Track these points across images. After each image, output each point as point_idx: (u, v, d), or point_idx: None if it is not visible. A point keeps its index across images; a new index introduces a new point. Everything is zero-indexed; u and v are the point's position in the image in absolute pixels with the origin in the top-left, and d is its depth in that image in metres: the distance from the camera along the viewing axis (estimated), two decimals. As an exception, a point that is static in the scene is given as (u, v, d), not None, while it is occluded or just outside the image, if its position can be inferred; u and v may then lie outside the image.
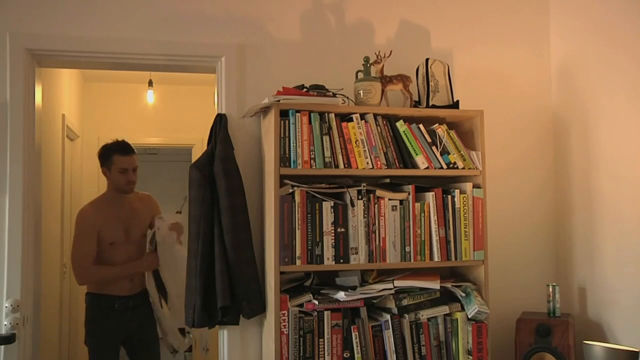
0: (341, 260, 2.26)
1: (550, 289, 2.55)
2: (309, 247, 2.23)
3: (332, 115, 2.31)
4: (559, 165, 2.87)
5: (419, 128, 2.40)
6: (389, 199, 2.33)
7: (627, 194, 2.40)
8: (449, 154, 2.40)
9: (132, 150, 3.02)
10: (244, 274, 2.34)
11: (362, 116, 2.36)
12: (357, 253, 2.27)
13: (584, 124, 2.68)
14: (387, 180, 2.41)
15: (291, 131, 2.25)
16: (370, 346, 2.25)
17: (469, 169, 2.42)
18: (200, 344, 3.91)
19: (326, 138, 2.29)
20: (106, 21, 2.51)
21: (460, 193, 2.39)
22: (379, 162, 2.31)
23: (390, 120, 2.40)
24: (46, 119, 3.15)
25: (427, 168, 2.36)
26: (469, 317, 2.32)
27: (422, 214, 2.36)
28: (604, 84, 2.55)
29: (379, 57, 2.50)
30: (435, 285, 2.33)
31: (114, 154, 2.97)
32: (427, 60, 2.53)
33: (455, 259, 2.37)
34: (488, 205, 2.43)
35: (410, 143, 2.37)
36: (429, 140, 2.40)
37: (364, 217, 2.29)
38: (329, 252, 2.24)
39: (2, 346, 2.29)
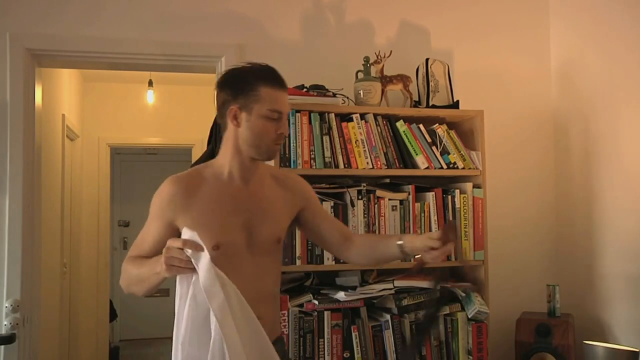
0: (341, 260, 2.25)
1: (550, 289, 2.55)
2: (309, 247, 2.23)
3: (332, 115, 2.31)
4: (559, 164, 2.87)
5: (419, 128, 2.40)
6: (389, 199, 2.33)
7: (628, 194, 2.40)
8: (449, 154, 2.40)
9: (286, 85, 1.63)
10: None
11: (362, 116, 2.36)
12: (357, 253, 2.27)
13: (584, 124, 2.68)
14: (387, 180, 2.41)
15: (291, 131, 2.24)
16: (370, 346, 2.25)
17: (469, 169, 2.42)
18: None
19: (326, 138, 2.29)
20: (106, 21, 2.51)
21: (460, 193, 2.39)
22: (379, 162, 2.31)
23: (390, 120, 2.40)
24: (46, 119, 3.15)
25: (427, 168, 2.36)
26: (469, 317, 2.32)
27: (422, 214, 2.36)
28: (604, 84, 2.55)
29: (379, 57, 2.50)
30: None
31: (261, 83, 1.57)
32: (427, 60, 2.53)
33: (455, 259, 2.37)
34: (488, 205, 2.43)
35: (410, 143, 2.37)
36: (429, 140, 2.40)
37: (364, 217, 2.29)
38: (329, 252, 2.24)
39: (2, 346, 2.29)
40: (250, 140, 1.57)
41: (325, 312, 2.22)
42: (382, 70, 2.50)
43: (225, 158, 1.62)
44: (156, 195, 1.62)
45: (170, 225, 1.57)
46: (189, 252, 1.33)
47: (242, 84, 1.57)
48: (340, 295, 2.22)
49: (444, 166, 2.38)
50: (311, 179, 2.30)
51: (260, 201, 1.64)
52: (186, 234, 1.39)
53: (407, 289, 2.32)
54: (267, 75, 1.58)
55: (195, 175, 1.62)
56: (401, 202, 2.34)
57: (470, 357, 2.32)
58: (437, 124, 2.44)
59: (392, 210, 2.33)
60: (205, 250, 1.33)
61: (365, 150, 2.31)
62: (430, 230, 2.36)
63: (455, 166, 2.40)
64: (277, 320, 1.75)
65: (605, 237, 2.54)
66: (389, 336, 2.26)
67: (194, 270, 1.35)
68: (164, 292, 6.93)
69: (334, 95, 2.36)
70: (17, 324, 2.32)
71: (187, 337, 1.38)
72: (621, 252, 2.44)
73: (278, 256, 1.72)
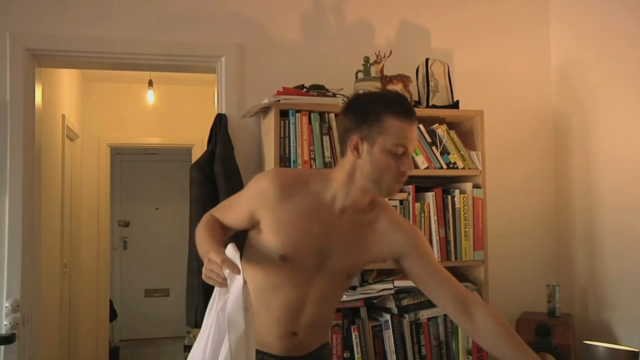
0: (341, 260, 2.25)
1: (550, 289, 2.55)
2: (309, 247, 2.23)
3: (332, 115, 2.31)
4: (559, 165, 2.87)
5: (418, 128, 2.40)
6: (389, 199, 2.33)
7: (628, 194, 2.40)
8: (449, 154, 2.40)
9: (416, 118, 1.51)
10: (244, 274, 2.33)
11: (362, 116, 2.36)
12: (357, 253, 2.27)
13: (584, 124, 2.68)
14: (387, 180, 2.41)
15: (291, 131, 2.25)
16: (370, 346, 2.25)
17: (469, 169, 2.42)
18: None
19: (326, 138, 2.29)
20: (106, 21, 2.51)
21: (460, 193, 2.39)
22: (379, 162, 2.31)
23: (390, 120, 2.39)
24: (46, 119, 3.15)
25: (427, 168, 2.36)
26: (469, 317, 2.32)
27: (422, 214, 2.36)
28: (604, 84, 2.55)
29: (379, 57, 2.50)
30: (435, 285, 2.33)
31: (389, 113, 1.45)
32: (427, 60, 2.53)
33: (455, 259, 2.37)
34: (488, 205, 2.43)
35: (410, 143, 2.37)
36: (429, 140, 2.40)
37: (364, 217, 2.29)
38: (329, 252, 2.24)
39: (2, 346, 2.29)
40: (369, 174, 1.46)
41: (325, 312, 2.21)
42: (382, 70, 2.50)
43: (337, 181, 1.52)
44: (255, 181, 1.57)
45: (252, 214, 1.54)
46: (226, 271, 1.32)
47: (367, 112, 1.46)
48: (340, 295, 2.22)
49: (444, 166, 2.38)
50: (311, 179, 2.31)
51: (346, 235, 1.55)
52: (229, 251, 1.37)
53: (407, 289, 2.32)
54: (396, 105, 1.46)
55: (300, 180, 1.54)
56: (401, 202, 2.34)
57: (470, 357, 2.32)
58: (437, 124, 2.44)
59: (392, 210, 2.32)
60: (241, 275, 1.31)
61: (365, 150, 2.31)
62: (430, 230, 2.36)
63: (455, 166, 2.40)
64: (325, 336, 1.73)
65: (605, 237, 2.54)
66: (389, 336, 2.26)
67: (228, 287, 1.34)
68: (164, 292, 6.95)
69: (334, 95, 2.36)
70: (17, 324, 2.32)
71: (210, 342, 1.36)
72: (621, 252, 2.44)
73: (343, 287, 1.68)
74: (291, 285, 1.55)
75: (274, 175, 1.53)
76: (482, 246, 2.39)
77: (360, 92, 1.53)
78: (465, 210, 2.38)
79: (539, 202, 2.87)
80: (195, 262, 2.34)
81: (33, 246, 2.47)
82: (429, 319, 2.32)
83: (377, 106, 1.46)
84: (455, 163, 2.40)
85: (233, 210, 1.61)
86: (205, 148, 2.54)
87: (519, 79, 2.90)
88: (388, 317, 2.27)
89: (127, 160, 6.97)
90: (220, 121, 2.51)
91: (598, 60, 2.59)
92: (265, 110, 2.39)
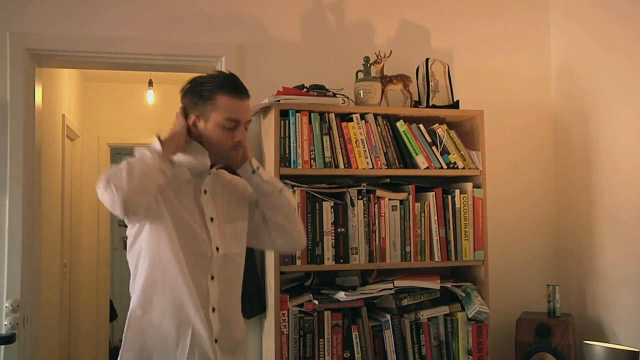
0: (341, 260, 2.26)
1: (550, 289, 2.55)
2: (309, 247, 2.23)
3: (332, 115, 2.31)
4: (559, 165, 2.87)
5: (419, 128, 2.40)
6: (389, 199, 2.33)
7: (628, 193, 2.40)
8: (449, 154, 2.40)
9: (246, 92, 1.70)
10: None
11: (362, 116, 2.36)
12: (357, 253, 2.27)
13: (584, 123, 2.68)
14: (387, 180, 2.41)
15: (291, 131, 2.25)
16: (370, 346, 2.25)
17: (469, 169, 2.42)
18: None
19: (326, 138, 2.29)
20: (106, 21, 2.51)
21: (461, 193, 2.39)
22: (379, 162, 2.31)
23: (390, 120, 2.40)
24: (46, 119, 3.15)
25: (427, 168, 2.36)
26: (469, 317, 2.33)
27: (422, 214, 2.36)
28: (603, 83, 2.55)
29: (379, 57, 2.50)
30: (435, 285, 2.33)
31: (220, 92, 1.63)
32: (427, 60, 2.53)
33: (455, 259, 2.37)
34: (488, 205, 2.43)
35: (410, 143, 2.37)
36: (429, 140, 2.40)
37: (364, 217, 2.29)
38: (329, 252, 2.24)
39: (2, 346, 2.29)
40: (207, 146, 1.65)
41: (326, 312, 2.22)
42: (382, 70, 2.50)
43: None
44: None
45: None
46: None
47: (201, 92, 1.64)
48: (341, 295, 2.23)
49: (444, 166, 2.38)
50: (311, 179, 2.31)
51: None
52: None
53: (407, 289, 2.32)
54: (226, 84, 1.62)
55: None
56: (401, 202, 2.34)
57: (470, 357, 2.32)
58: (437, 124, 2.44)
59: (392, 210, 2.33)
60: None
61: (365, 150, 2.31)
62: (430, 230, 2.36)
63: (455, 166, 2.40)
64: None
65: (605, 237, 2.54)
66: (389, 336, 2.26)
67: None
68: (164, 292, 6.93)
69: (334, 95, 2.36)
70: (17, 324, 2.32)
71: None
72: (621, 252, 2.44)
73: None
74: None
75: None
76: (482, 246, 2.39)
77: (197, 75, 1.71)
78: (465, 210, 2.38)
79: (539, 202, 2.87)
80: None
81: (33, 246, 2.47)
82: (429, 319, 2.32)
83: (210, 86, 1.62)
84: (455, 163, 2.40)
85: None
86: (205, 148, 2.54)
87: (519, 79, 2.90)
88: (388, 317, 2.27)
89: (127, 160, 6.95)
90: (220, 121, 2.51)
91: (598, 59, 2.59)
92: (265, 110, 2.39)
